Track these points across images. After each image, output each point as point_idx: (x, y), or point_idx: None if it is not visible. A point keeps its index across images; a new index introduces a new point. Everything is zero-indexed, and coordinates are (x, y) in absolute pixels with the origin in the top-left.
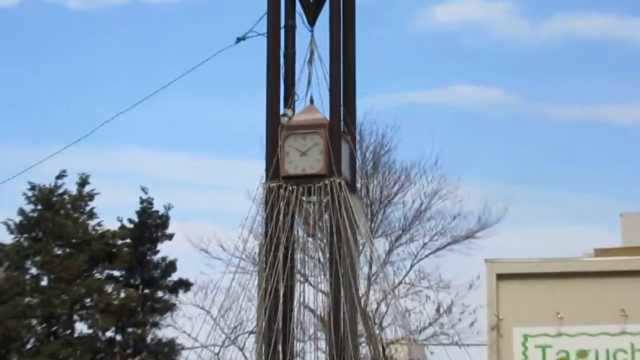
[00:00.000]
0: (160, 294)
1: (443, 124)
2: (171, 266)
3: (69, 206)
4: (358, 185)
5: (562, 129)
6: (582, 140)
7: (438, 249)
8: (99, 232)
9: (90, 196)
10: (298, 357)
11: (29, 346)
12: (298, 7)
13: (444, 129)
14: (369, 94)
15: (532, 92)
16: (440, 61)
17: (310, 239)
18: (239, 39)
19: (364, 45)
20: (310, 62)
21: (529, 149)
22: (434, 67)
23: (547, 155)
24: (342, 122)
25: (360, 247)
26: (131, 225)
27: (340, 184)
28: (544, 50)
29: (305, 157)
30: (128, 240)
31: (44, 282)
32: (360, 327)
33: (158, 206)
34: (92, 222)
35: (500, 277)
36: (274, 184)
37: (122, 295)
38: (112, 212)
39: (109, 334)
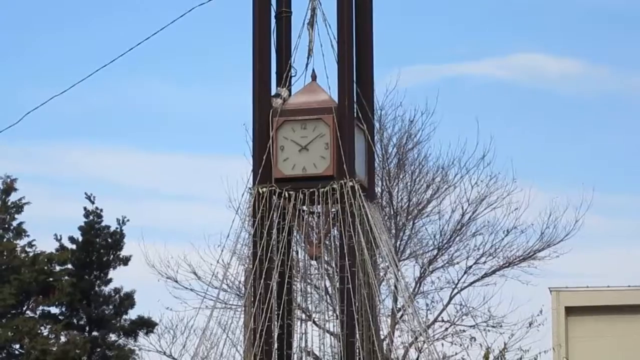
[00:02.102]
0: (112, 337)
1: (495, 106)
2: (127, 300)
3: None
4: (377, 190)
5: None
6: None
7: (486, 275)
8: (31, 255)
9: (18, 207)
10: None
11: None
12: None
13: (496, 113)
14: (393, 66)
15: (621, 62)
16: (495, 22)
17: (313, 262)
18: None
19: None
20: (311, 23)
21: (616, 139)
22: (486, 30)
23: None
24: (355, 105)
25: (382, 273)
26: (73, 246)
27: (353, 188)
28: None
29: (305, 152)
30: (69, 267)
31: None
32: None
33: (109, 220)
34: (21, 242)
35: (571, 311)
36: (264, 189)
37: (63, 339)
38: (48, 228)
39: None
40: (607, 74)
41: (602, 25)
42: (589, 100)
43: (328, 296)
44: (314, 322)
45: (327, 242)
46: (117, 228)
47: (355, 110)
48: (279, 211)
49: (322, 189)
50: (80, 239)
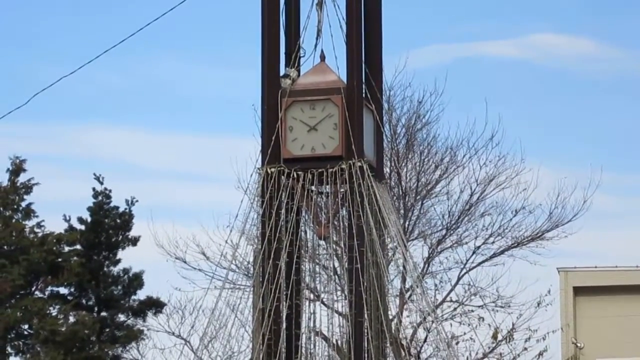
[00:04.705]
0: (121, 317)
1: (504, 86)
2: (136, 281)
3: None
4: (386, 170)
5: None
6: None
7: (494, 255)
8: (40, 236)
9: (27, 188)
10: None
11: None
12: None
13: (505, 93)
14: (403, 47)
15: (636, 43)
16: (509, 1)
17: (322, 242)
18: None
19: None
20: (320, 4)
21: (627, 119)
22: (499, 8)
23: None
24: (363, 86)
25: (390, 253)
26: (82, 227)
27: (361, 168)
28: None
29: (314, 132)
30: (78, 247)
31: None
32: None
33: (118, 201)
34: (30, 223)
35: (579, 291)
36: (272, 169)
37: (72, 319)
38: (57, 209)
39: None
40: (621, 54)
41: (618, 6)
42: (602, 80)
43: (336, 276)
44: (323, 302)
45: (335, 222)
46: (126, 209)
47: (364, 91)
48: (288, 191)
49: (331, 169)
50: (89, 219)
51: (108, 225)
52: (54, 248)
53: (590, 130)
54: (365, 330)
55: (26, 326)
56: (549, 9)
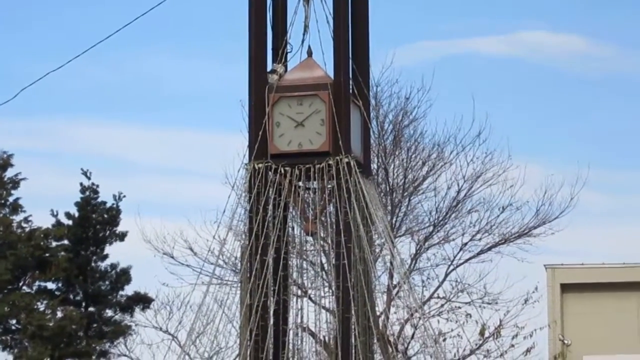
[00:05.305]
0: (109, 313)
1: (493, 83)
2: (124, 276)
3: None
4: (373, 166)
5: None
6: None
7: (482, 252)
8: (27, 231)
9: (14, 182)
10: None
11: None
12: None
13: (494, 90)
14: (390, 43)
15: (625, 41)
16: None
17: (309, 238)
18: None
19: None
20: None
21: (616, 115)
22: (488, 6)
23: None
24: (351, 82)
25: (377, 250)
26: (69, 222)
27: (349, 164)
28: None
29: (301, 128)
30: (65, 242)
31: None
32: (378, 357)
33: (105, 196)
34: (17, 218)
35: (566, 288)
36: (260, 165)
37: (59, 315)
38: (44, 204)
39: None
40: (611, 52)
41: (608, 4)
42: (591, 78)
43: (324, 272)
44: (310, 298)
45: (323, 218)
46: (113, 204)
47: (351, 87)
48: (275, 187)
49: (318, 165)
50: (77, 214)
51: (95, 221)
52: (42, 243)
53: (579, 127)
54: (353, 327)
55: (14, 321)
56: (539, 6)
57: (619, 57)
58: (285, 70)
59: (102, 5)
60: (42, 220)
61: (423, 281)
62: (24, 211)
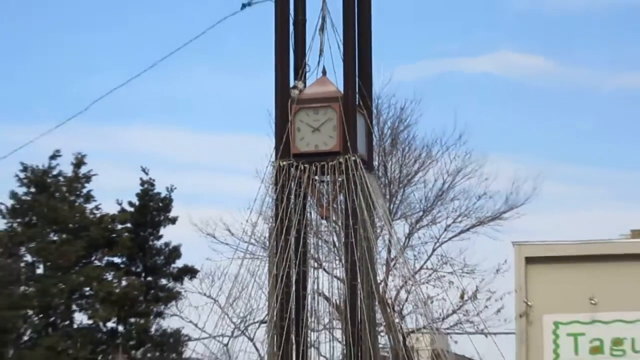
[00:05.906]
0: (163, 281)
1: (470, 95)
2: (175, 252)
3: (64, 189)
4: (375, 163)
5: (611, 100)
6: (632, 112)
7: (462, 232)
8: (97, 216)
9: (87, 178)
10: (312, 348)
11: (25, 338)
12: None
13: (472, 101)
14: (390, 63)
15: (578, 59)
16: (474, 26)
17: (323, 221)
18: (244, 5)
19: (382, 9)
20: (322, 29)
21: (569, 122)
22: (466, 34)
23: (589, 129)
24: (357, 95)
25: (378, 230)
26: (131, 209)
27: (355, 161)
28: (590, 13)
29: (317, 133)
30: (128, 225)
31: (40, 270)
32: (379, 316)
33: (160, 188)
34: (90, 206)
35: (530, 260)
36: (284, 163)
37: (123, 283)
38: (111, 194)
39: (110, 324)
40: (566, 70)
41: (565, 30)
42: (550, 91)
43: (335, 248)
44: (324, 269)
45: (334, 205)
46: (166, 194)
47: (357, 99)
48: (296, 180)
49: (331, 162)
50: (137, 203)
51: (152, 208)
52: (109, 226)
53: (542, 131)
54: (359, 292)
55: (87, 289)
56: (511, 31)
57: (572, 74)
58: (305, 86)
59: (155, 33)
60: (110, 208)
61: (415, 255)
62: (95, 200)
